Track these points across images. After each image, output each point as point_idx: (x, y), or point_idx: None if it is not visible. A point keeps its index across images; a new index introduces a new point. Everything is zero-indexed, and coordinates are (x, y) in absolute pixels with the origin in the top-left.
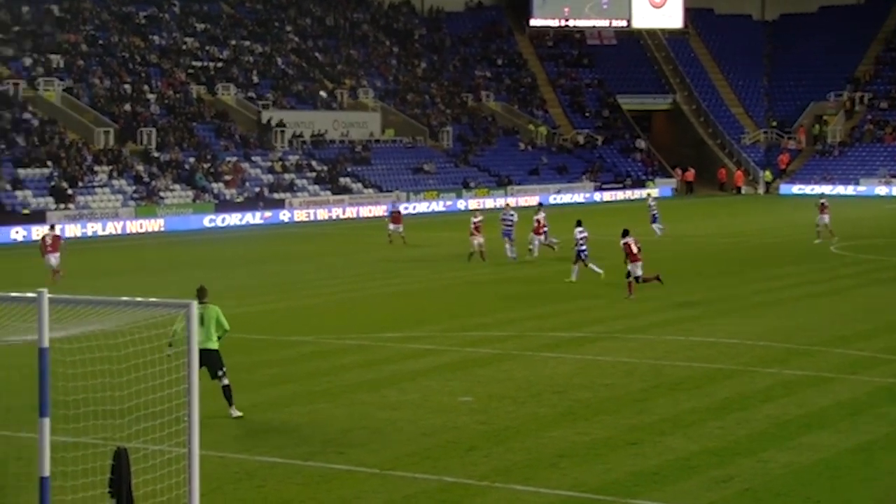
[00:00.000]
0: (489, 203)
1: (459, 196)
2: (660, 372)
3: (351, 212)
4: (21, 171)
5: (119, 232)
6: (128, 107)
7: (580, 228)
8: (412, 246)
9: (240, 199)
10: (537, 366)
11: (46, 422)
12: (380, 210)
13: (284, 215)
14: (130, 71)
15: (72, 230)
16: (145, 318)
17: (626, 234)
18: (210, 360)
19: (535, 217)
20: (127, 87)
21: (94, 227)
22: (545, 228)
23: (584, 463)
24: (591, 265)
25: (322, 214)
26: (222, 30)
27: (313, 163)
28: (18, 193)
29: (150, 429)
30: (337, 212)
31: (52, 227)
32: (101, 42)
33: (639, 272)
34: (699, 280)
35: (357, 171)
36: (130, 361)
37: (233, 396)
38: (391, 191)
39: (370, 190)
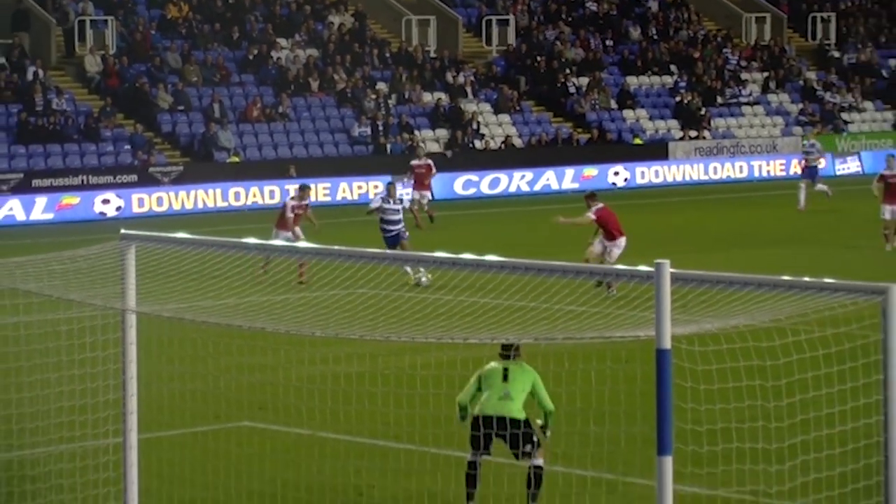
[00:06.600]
0: None
1: None
2: None
3: None
4: None
5: None
6: None
7: None
8: None
9: None
10: None
11: (668, 462)
12: None
13: None
14: None
15: None
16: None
17: None
18: (510, 433)
19: None
20: None
21: None
22: None
23: None
24: None
25: None
26: None
27: None
28: None
29: (813, 484)
30: None
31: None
32: None
33: None
34: None
35: None
36: (794, 375)
37: (541, 487)
38: None
39: None
